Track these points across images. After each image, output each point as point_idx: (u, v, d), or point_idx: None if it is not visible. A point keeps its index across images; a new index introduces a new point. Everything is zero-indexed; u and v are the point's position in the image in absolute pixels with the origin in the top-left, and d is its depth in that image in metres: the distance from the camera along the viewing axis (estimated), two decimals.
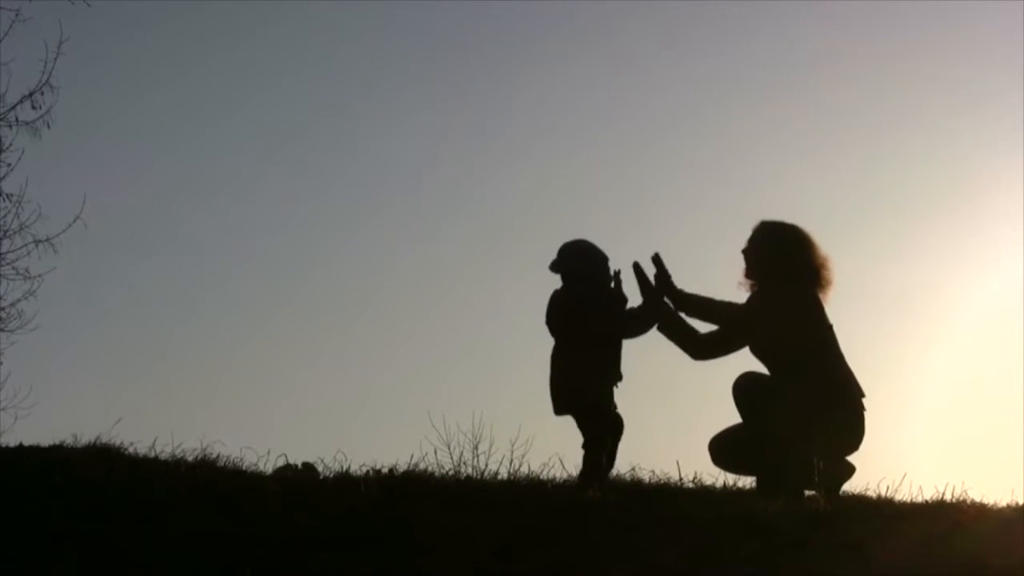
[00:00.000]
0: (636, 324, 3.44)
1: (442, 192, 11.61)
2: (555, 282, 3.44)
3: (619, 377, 3.38)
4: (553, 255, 3.47)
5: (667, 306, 3.51)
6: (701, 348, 3.54)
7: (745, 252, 3.57)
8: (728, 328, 3.51)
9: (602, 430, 3.32)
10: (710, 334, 3.54)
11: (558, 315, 3.37)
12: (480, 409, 3.72)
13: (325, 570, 2.55)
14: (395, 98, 11.14)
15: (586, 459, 3.33)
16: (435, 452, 3.65)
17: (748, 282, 3.57)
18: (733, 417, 3.46)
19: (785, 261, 3.50)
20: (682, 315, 3.53)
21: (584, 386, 3.30)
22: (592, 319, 3.31)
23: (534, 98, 10.94)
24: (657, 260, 3.51)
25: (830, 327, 3.47)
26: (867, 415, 3.40)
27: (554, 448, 3.76)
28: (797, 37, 10.79)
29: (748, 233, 3.62)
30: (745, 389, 3.39)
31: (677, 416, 3.47)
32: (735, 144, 10.62)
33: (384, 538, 2.73)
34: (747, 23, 10.50)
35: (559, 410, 3.38)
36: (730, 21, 10.57)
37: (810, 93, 10.68)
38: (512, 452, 3.61)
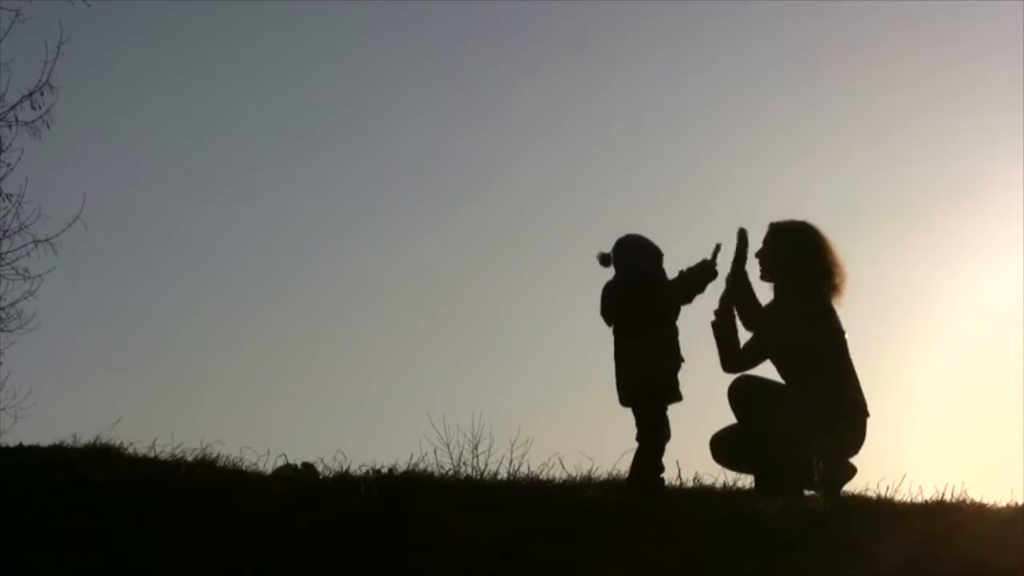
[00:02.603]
0: (696, 282, 3.42)
1: (443, 192, 11.61)
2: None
3: (680, 359, 3.37)
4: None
5: (743, 279, 3.50)
6: (738, 360, 3.50)
7: (758, 255, 3.55)
8: (757, 335, 3.48)
9: (658, 424, 3.30)
10: (746, 346, 3.51)
11: (613, 303, 3.38)
12: (480, 409, 3.72)
13: (325, 570, 2.55)
14: (397, 98, 11.13)
15: (639, 460, 3.31)
16: (435, 452, 3.65)
17: (769, 286, 3.54)
18: (733, 418, 3.46)
19: (795, 261, 3.47)
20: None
21: (646, 371, 3.30)
22: (647, 305, 3.32)
23: (535, 99, 10.94)
24: (742, 235, 3.51)
25: (842, 334, 3.43)
26: (868, 419, 3.38)
27: (554, 448, 3.76)
28: (797, 36, 10.79)
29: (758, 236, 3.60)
30: (740, 393, 3.39)
31: (677, 416, 3.47)
32: (735, 144, 10.62)
33: (384, 538, 2.73)
34: (747, 23, 10.50)
35: (623, 399, 3.37)
36: (731, 20, 10.57)
37: (809, 93, 10.68)
38: (512, 452, 3.61)
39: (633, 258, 3.41)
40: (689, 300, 3.42)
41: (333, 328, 11.30)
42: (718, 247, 3.43)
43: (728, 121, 10.49)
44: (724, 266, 3.48)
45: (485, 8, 10.66)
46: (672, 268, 3.45)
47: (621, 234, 3.48)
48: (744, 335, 3.55)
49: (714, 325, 3.51)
